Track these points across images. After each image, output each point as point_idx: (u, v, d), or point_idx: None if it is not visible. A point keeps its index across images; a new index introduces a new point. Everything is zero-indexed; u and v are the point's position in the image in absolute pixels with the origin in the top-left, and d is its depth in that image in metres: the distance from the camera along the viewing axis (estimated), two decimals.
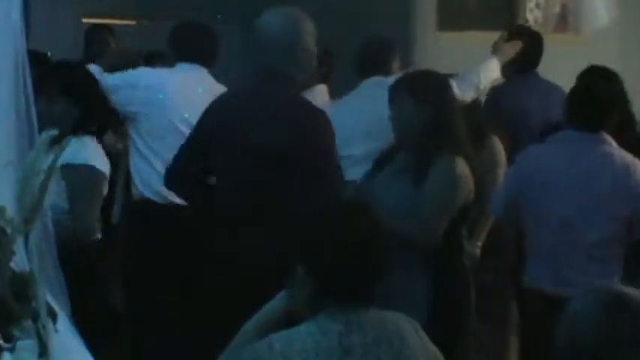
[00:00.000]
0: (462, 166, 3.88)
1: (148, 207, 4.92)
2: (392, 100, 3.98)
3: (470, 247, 4.83)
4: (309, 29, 3.86)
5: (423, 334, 2.75)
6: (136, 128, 5.01)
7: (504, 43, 5.33)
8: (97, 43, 6.30)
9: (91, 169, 4.16)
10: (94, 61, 5.22)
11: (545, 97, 5.62)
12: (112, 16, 7.29)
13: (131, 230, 5.13)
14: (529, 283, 4.43)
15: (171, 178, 4.03)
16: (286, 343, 2.60)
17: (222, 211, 3.83)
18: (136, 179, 5.01)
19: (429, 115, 3.88)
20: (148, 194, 4.95)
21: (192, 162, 3.93)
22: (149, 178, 4.91)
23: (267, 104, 3.80)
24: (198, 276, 3.98)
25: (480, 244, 5.09)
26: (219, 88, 4.74)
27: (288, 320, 2.75)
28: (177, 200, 4.43)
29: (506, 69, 5.32)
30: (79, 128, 4.14)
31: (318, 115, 3.89)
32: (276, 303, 2.82)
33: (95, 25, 6.76)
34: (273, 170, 3.71)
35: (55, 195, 3.66)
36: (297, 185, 3.69)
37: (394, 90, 3.99)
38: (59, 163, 2.55)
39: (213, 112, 3.95)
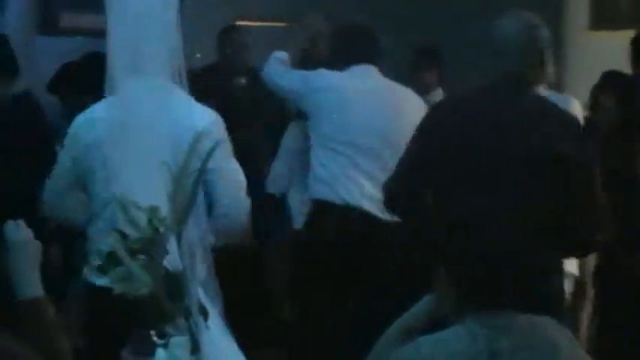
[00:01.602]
0: None
1: (327, 209, 4.83)
2: None
3: None
4: (544, 34, 3.84)
5: (574, 340, 2.70)
6: (314, 130, 4.93)
7: None
8: (231, 44, 6.37)
9: None
10: (226, 64, 5.22)
11: None
12: (264, 19, 7.37)
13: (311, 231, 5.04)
14: None
15: (392, 198, 3.93)
16: (433, 346, 2.58)
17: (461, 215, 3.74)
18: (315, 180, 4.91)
19: None
20: (328, 197, 4.81)
21: (415, 177, 3.80)
22: (330, 180, 4.82)
23: (520, 107, 3.76)
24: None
25: None
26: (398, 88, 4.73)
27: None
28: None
29: None
30: None
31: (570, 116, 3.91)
32: (422, 306, 2.82)
33: (230, 27, 6.80)
34: (541, 172, 3.65)
35: None
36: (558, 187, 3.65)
37: None
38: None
39: (446, 121, 3.80)
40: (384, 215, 4.46)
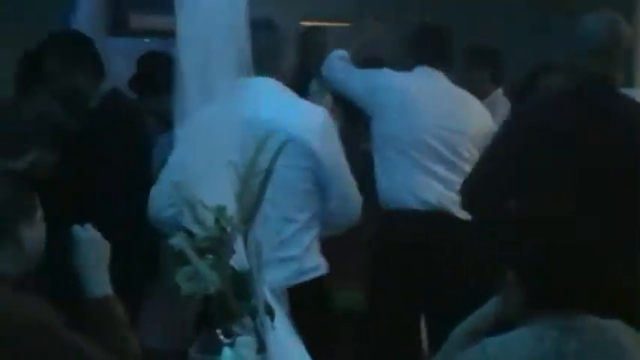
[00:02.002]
0: None
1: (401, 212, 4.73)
2: None
3: None
4: (628, 33, 3.81)
5: None
6: (377, 130, 4.85)
7: None
8: (312, 45, 6.38)
9: None
10: (308, 64, 5.23)
11: None
12: (328, 19, 7.37)
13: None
14: None
15: (474, 198, 3.93)
16: (500, 348, 2.57)
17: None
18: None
19: None
20: (401, 200, 4.71)
21: (502, 178, 3.77)
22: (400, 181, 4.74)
23: (614, 108, 3.74)
24: None
25: None
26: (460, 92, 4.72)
27: None
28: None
29: None
30: None
31: None
32: (489, 308, 2.81)
33: (311, 28, 6.84)
34: (631, 172, 3.62)
35: None
36: None
37: None
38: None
39: (540, 124, 3.76)
40: (460, 215, 4.46)
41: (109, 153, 4.20)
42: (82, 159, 4.09)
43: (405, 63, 4.91)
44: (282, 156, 2.65)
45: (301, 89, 5.23)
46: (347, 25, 7.38)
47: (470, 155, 4.62)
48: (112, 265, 2.78)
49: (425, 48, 4.85)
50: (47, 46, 4.40)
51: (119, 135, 4.26)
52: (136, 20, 6.26)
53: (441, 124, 4.68)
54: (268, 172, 2.60)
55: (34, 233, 2.72)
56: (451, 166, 4.63)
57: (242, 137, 2.69)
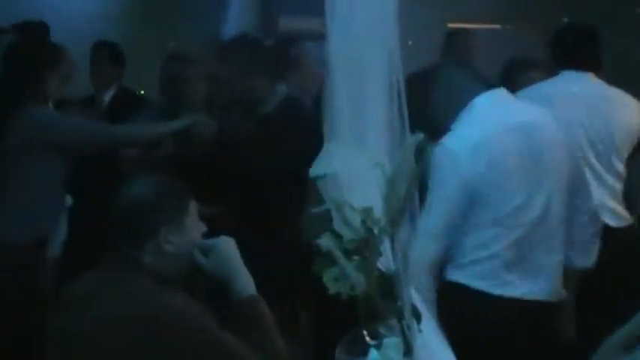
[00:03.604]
0: None
1: None
2: None
3: None
4: None
5: None
6: None
7: None
8: (458, 47, 6.33)
9: None
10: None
11: None
12: (476, 20, 7.31)
13: None
14: None
15: None
16: None
17: None
18: None
19: None
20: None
21: None
22: None
23: None
24: None
25: None
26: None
27: None
28: None
29: None
30: None
31: None
32: None
33: (457, 29, 6.79)
34: None
35: None
36: None
37: None
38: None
39: None
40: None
41: (286, 156, 4.23)
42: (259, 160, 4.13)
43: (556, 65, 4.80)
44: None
45: None
46: (494, 26, 7.32)
47: (619, 158, 4.54)
48: None
49: (570, 50, 4.75)
50: (223, 49, 4.46)
51: (298, 140, 4.25)
52: (286, 22, 6.31)
53: (585, 128, 4.58)
54: (414, 175, 2.58)
55: (180, 238, 2.75)
56: (596, 172, 4.55)
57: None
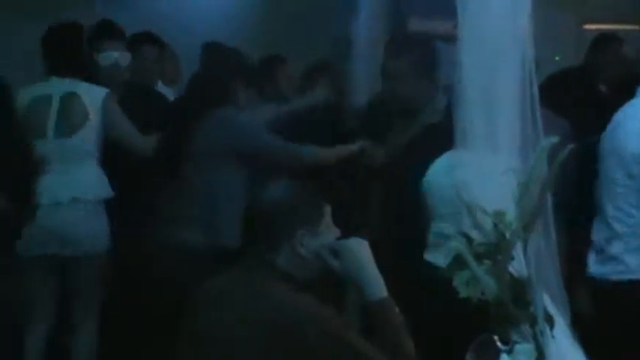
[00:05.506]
0: None
1: None
2: None
3: None
4: None
5: None
6: None
7: None
8: (601, 51, 6.15)
9: None
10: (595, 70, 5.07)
11: None
12: (612, 22, 7.15)
13: None
14: None
15: None
16: None
17: None
18: None
19: None
20: None
21: None
22: None
23: None
24: None
25: None
26: None
27: None
28: None
29: None
30: None
31: None
32: None
33: (603, 34, 6.55)
34: None
35: None
36: None
37: None
38: None
39: None
40: None
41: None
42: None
43: None
44: None
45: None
46: (631, 27, 7.15)
47: None
48: None
49: None
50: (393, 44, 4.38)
51: None
52: (416, 24, 6.28)
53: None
54: (546, 179, 2.54)
55: (314, 241, 2.75)
56: None
57: None
